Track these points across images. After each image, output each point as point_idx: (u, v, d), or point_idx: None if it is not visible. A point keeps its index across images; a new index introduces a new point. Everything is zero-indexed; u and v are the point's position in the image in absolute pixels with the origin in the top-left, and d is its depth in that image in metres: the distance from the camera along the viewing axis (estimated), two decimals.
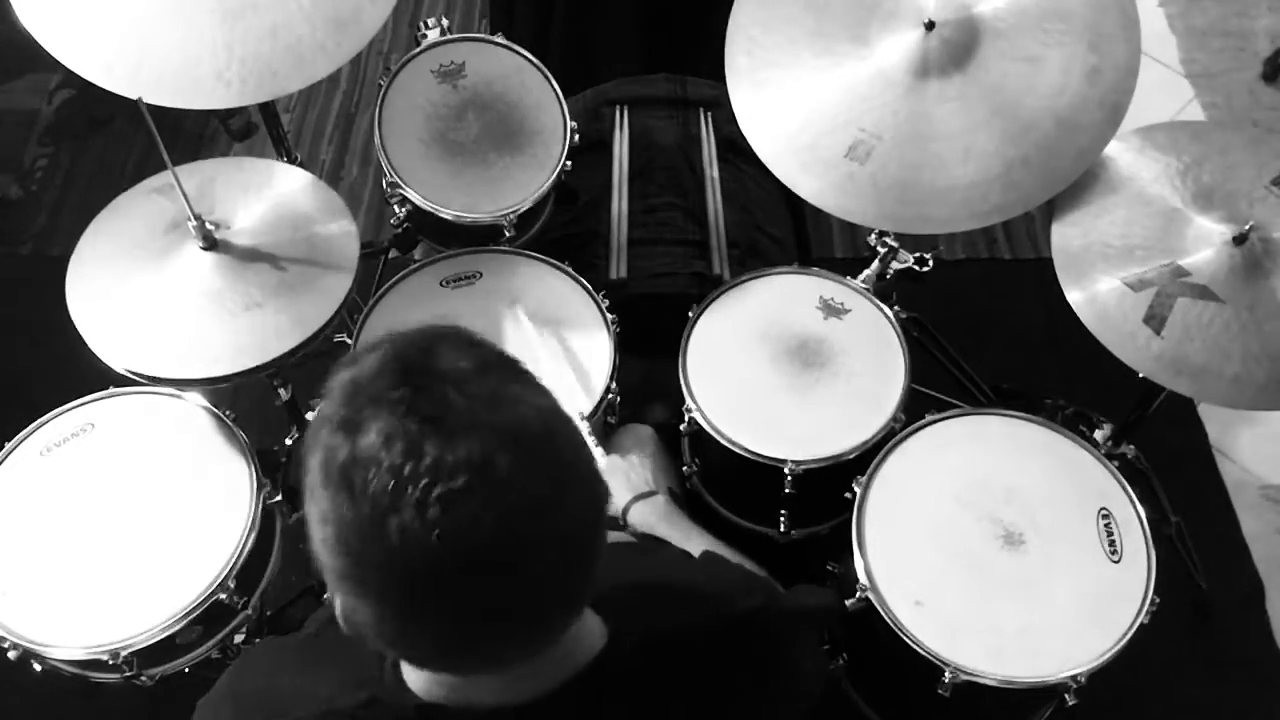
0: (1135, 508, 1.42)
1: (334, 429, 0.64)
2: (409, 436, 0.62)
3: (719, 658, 0.87)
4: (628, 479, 1.31)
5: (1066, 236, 1.46)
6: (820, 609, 1.30)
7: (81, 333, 1.38)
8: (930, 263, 1.76)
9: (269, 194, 1.52)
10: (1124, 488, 1.44)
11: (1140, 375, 1.37)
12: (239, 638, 1.46)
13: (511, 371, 0.70)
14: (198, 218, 1.39)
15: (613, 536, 1.33)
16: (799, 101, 1.52)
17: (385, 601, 0.66)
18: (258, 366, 1.40)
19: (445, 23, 1.80)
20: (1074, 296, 1.41)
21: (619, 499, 1.29)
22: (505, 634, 0.70)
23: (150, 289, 1.42)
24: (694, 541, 1.19)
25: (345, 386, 0.66)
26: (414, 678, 0.78)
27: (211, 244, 1.43)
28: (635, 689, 0.82)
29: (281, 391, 1.61)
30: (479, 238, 1.73)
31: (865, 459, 1.48)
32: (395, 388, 0.64)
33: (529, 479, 0.64)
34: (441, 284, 1.67)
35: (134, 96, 1.27)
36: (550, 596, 0.70)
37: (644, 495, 1.28)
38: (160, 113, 1.28)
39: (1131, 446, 1.68)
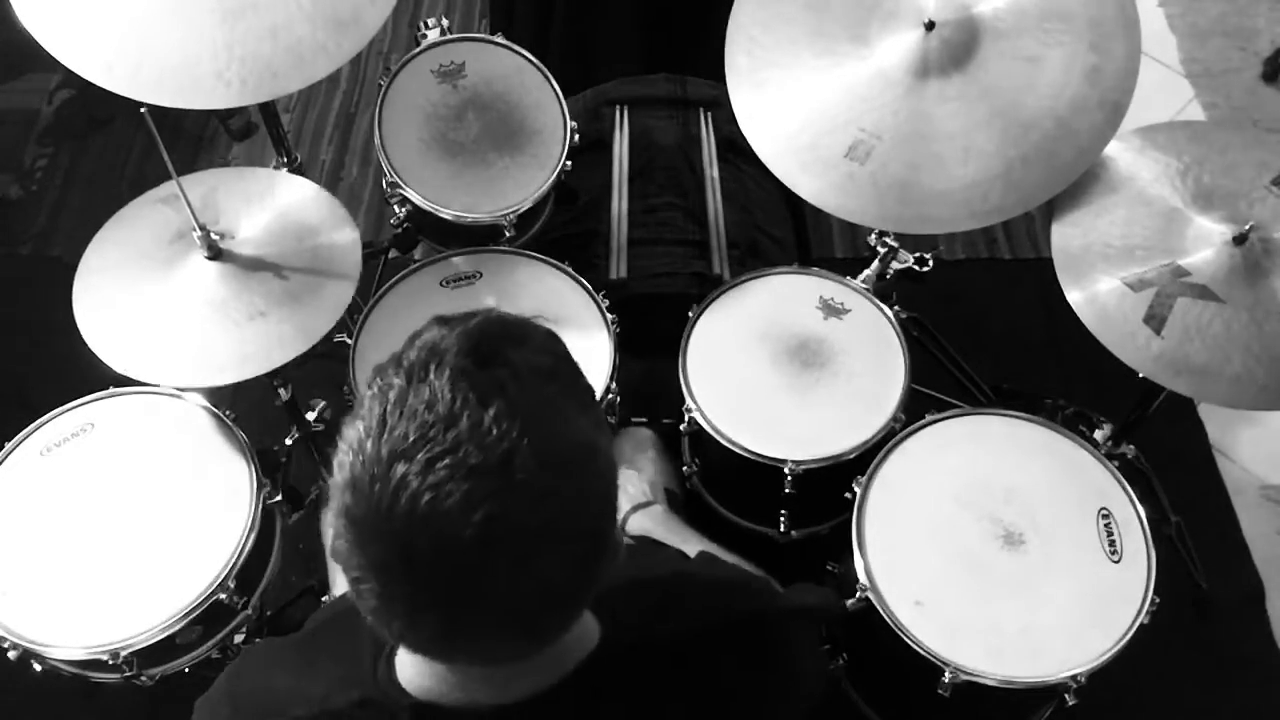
0: (1135, 508, 1.42)
1: (399, 370, 0.66)
2: (453, 404, 0.63)
3: (716, 657, 0.87)
4: (625, 491, 1.30)
5: (1066, 236, 1.46)
6: (819, 607, 1.29)
7: (89, 342, 1.39)
8: (930, 263, 1.76)
9: (273, 204, 1.52)
10: (1124, 488, 1.44)
11: (1140, 375, 1.37)
12: (239, 638, 1.46)
13: (576, 391, 0.70)
14: (203, 228, 1.39)
15: None
16: (799, 101, 1.52)
17: (367, 547, 0.65)
18: (262, 376, 1.40)
19: (445, 23, 1.80)
20: (1074, 296, 1.41)
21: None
22: (475, 628, 0.68)
23: (156, 298, 1.43)
24: (691, 546, 1.19)
25: (432, 336, 0.68)
26: (408, 674, 0.77)
27: (216, 254, 1.43)
28: (631, 688, 0.81)
29: (281, 391, 1.61)
30: (479, 238, 1.73)
31: (865, 459, 1.48)
32: (464, 355, 0.65)
33: (537, 494, 0.63)
34: (441, 284, 1.67)
35: (140, 105, 1.27)
36: (525, 606, 0.68)
37: (642, 506, 1.28)
38: (160, 113, 1.28)
39: (1131, 446, 1.68)
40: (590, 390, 0.73)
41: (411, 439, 0.63)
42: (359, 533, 0.65)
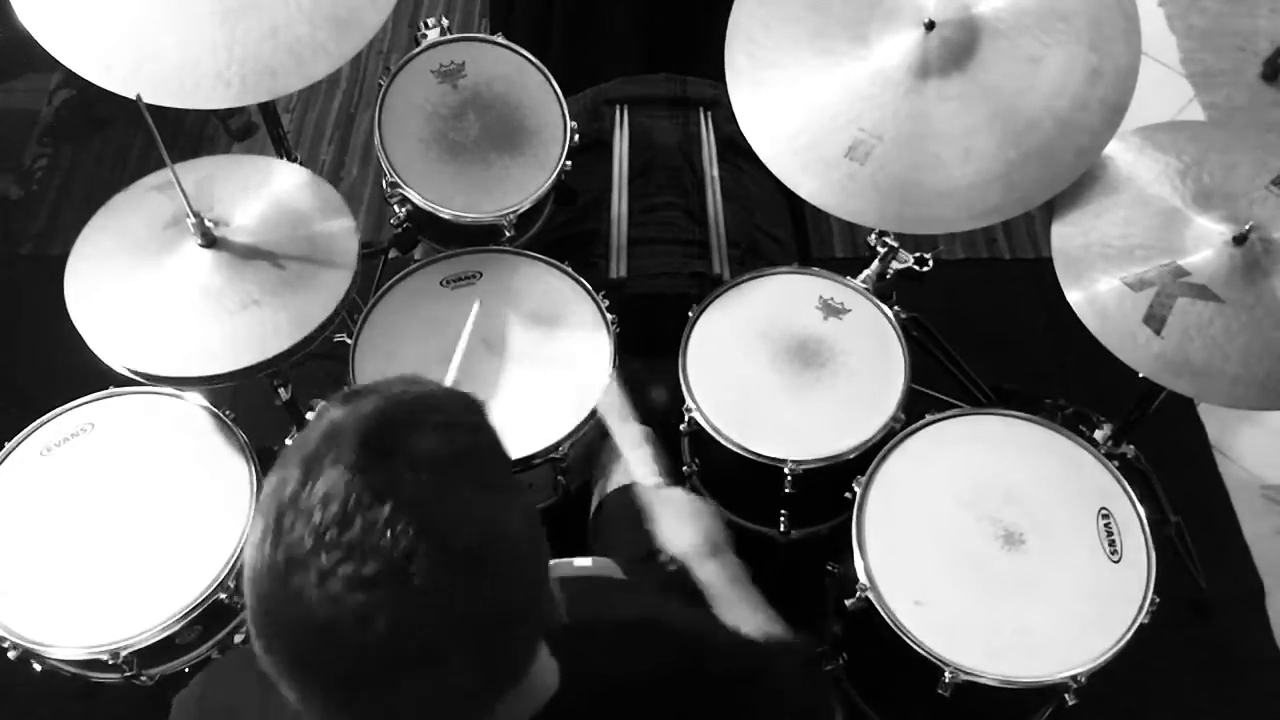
0: (1135, 508, 1.42)
1: (298, 462, 0.64)
2: (347, 503, 0.61)
3: (676, 711, 0.84)
4: (699, 519, 1.21)
5: (1066, 236, 1.46)
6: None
7: (79, 329, 1.38)
8: (930, 263, 1.76)
9: (268, 191, 1.51)
10: (1124, 488, 1.44)
11: (1140, 375, 1.37)
12: (239, 638, 1.46)
13: (484, 471, 0.67)
14: (197, 215, 1.38)
15: (596, 567, 1.30)
16: (799, 101, 1.52)
17: (274, 652, 0.64)
18: (256, 365, 1.40)
19: (445, 23, 1.80)
20: (1074, 296, 1.41)
21: (678, 538, 1.19)
22: None
23: (149, 286, 1.42)
24: (758, 618, 1.11)
25: (330, 423, 0.65)
26: None
27: (210, 241, 1.42)
28: None
29: (281, 391, 1.61)
30: (479, 238, 1.73)
31: (865, 459, 1.48)
32: (360, 448, 0.63)
33: (437, 596, 0.61)
34: (441, 284, 1.67)
35: (133, 94, 1.27)
36: (447, 703, 0.65)
37: (718, 552, 1.18)
38: (160, 112, 1.28)
39: (1131, 446, 1.68)
40: (504, 467, 0.70)
41: (308, 545, 0.61)
42: (265, 637, 0.64)
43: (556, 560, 1.33)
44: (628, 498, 1.55)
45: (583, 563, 1.31)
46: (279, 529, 0.62)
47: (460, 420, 0.68)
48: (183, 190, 1.34)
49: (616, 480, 1.57)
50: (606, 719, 0.81)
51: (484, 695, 0.68)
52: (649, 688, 0.83)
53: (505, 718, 0.73)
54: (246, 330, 1.39)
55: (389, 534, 0.60)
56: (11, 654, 1.33)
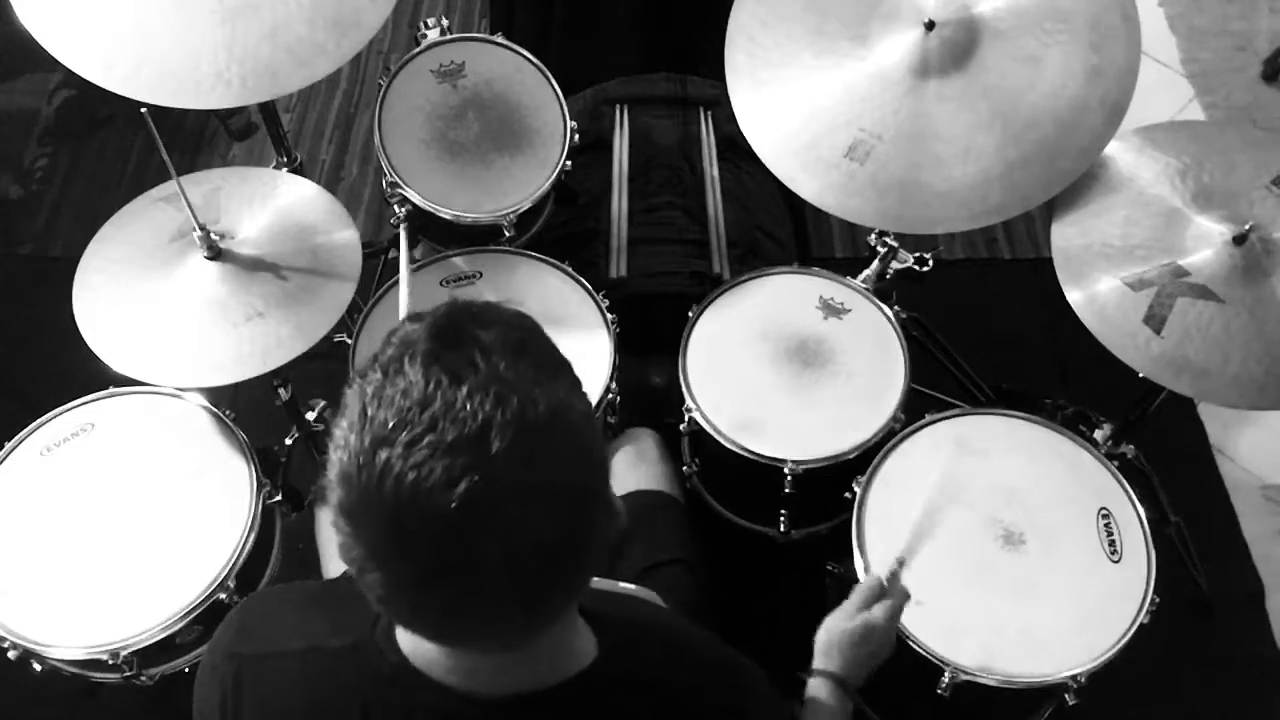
0: (1135, 508, 1.42)
1: (376, 367, 0.69)
2: (426, 387, 0.66)
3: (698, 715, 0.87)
4: (875, 659, 1.21)
5: (1066, 236, 1.46)
6: None
7: (88, 341, 1.39)
8: (930, 263, 1.76)
9: (273, 204, 1.52)
10: (1124, 488, 1.44)
11: (1140, 375, 1.37)
12: None
13: (546, 362, 0.72)
14: (203, 228, 1.39)
15: (639, 592, 1.30)
16: (799, 101, 1.52)
17: (363, 534, 0.68)
18: (259, 377, 1.40)
19: (445, 23, 1.80)
20: (1074, 296, 1.41)
21: (829, 659, 1.19)
22: (475, 601, 0.70)
23: (155, 298, 1.43)
24: None
25: (402, 334, 0.71)
26: (405, 640, 0.80)
27: (216, 254, 1.43)
28: (610, 716, 0.82)
29: (281, 391, 1.61)
30: (479, 238, 1.73)
31: (865, 459, 1.48)
32: (433, 340, 0.68)
33: (515, 460, 0.65)
34: (441, 284, 1.67)
35: (140, 105, 1.28)
36: (507, 589, 0.69)
37: (826, 673, 1.18)
38: (161, 113, 1.28)
39: (1131, 446, 1.68)
40: (562, 360, 0.75)
41: (391, 425, 0.65)
42: (354, 523, 0.68)
43: (603, 579, 1.36)
44: (632, 505, 1.55)
45: (627, 587, 1.33)
46: (365, 419, 0.67)
47: (518, 321, 0.74)
48: (189, 204, 1.35)
49: (620, 485, 1.57)
50: (630, 705, 0.83)
51: (550, 578, 0.71)
52: (678, 695, 0.86)
53: (536, 674, 0.79)
54: (250, 342, 1.40)
55: (468, 407, 0.65)
56: (11, 654, 1.33)
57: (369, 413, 0.67)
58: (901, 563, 1.30)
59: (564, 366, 0.74)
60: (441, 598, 0.69)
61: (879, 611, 1.21)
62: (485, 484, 0.64)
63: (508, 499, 0.65)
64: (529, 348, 0.71)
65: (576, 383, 0.73)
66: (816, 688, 1.18)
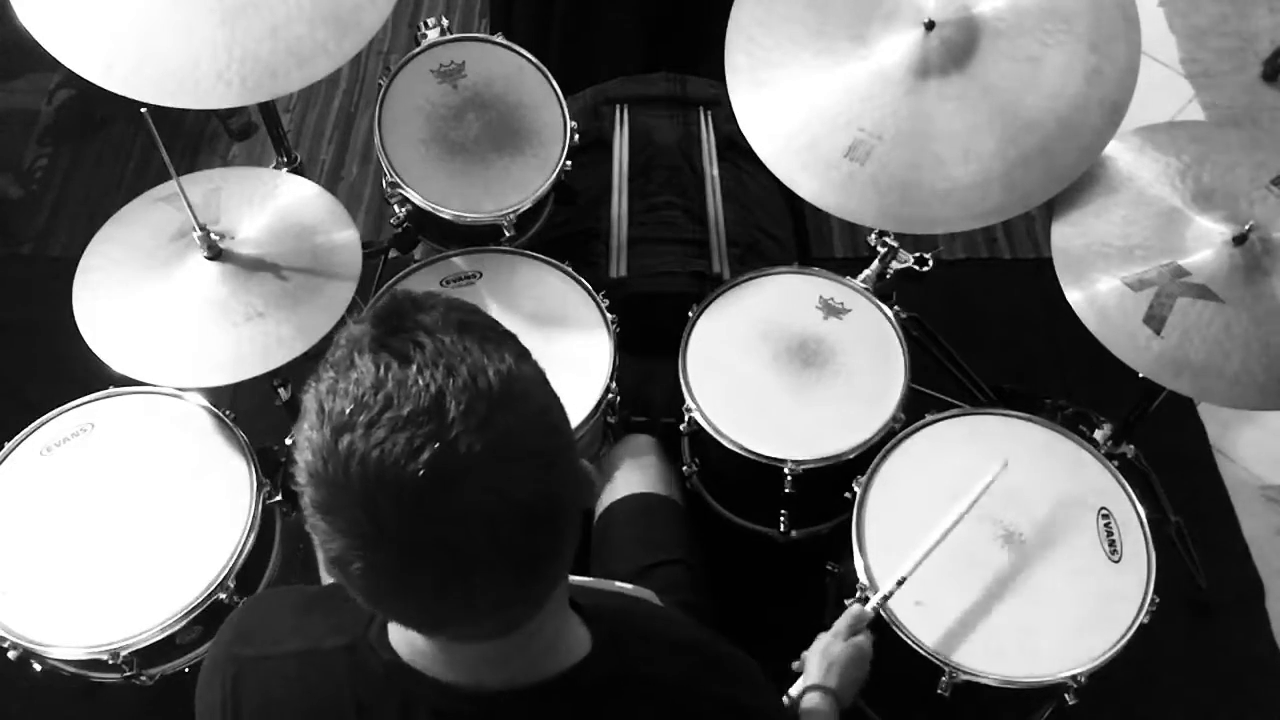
0: (1135, 508, 1.42)
1: (328, 367, 0.70)
2: (377, 372, 0.67)
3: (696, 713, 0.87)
4: (859, 672, 1.27)
5: (1066, 236, 1.46)
6: None
7: (88, 341, 1.39)
8: (930, 263, 1.76)
9: (273, 204, 1.52)
10: (1124, 488, 1.44)
11: (1140, 375, 1.37)
12: None
13: (491, 336, 0.72)
14: (203, 228, 1.39)
15: (635, 591, 1.32)
16: (799, 101, 1.52)
17: (340, 525, 0.68)
18: (259, 377, 1.40)
19: (445, 23, 1.80)
20: (1074, 296, 1.41)
21: (828, 676, 1.24)
22: (460, 578, 0.69)
23: (156, 298, 1.43)
24: None
25: (346, 334, 0.72)
26: (397, 636, 0.81)
27: (216, 254, 1.43)
28: (605, 711, 0.82)
29: (281, 391, 1.61)
30: (479, 238, 1.73)
31: (865, 459, 1.48)
32: (377, 328, 0.70)
33: (473, 424, 0.66)
34: (441, 284, 1.67)
35: (140, 105, 1.28)
36: (492, 554, 0.69)
37: (826, 689, 1.23)
38: (160, 113, 1.28)
39: (1131, 446, 1.68)
40: (506, 333, 0.75)
41: (349, 411, 0.66)
42: (329, 516, 0.68)
43: (597, 579, 1.36)
44: (630, 506, 1.55)
45: (623, 586, 1.35)
46: (323, 415, 0.68)
47: (456, 303, 0.75)
48: (189, 204, 1.35)
49: (618, 488, 1.57)
50: (628, 697, 0.83)
51: (534, 542, 0.71)
52: (675, 686, 0.85)
53: (529, 667, 0.79)
54: (250, 342, 1.40)
55: (419, 381, 0.67)
56: (11, 654, 1.33)
57: (326, 407, 0.68)
58: (901, 583, 1.31)
59: (509, 338, 0.74)
60: (428, 578, 0.69)
61: (865, 640, 1.29)
62: (448, 449, 0.65)
63: (474, 462, 0.66)
64: (471, 325, 0.72)
65: (525, 352, 0.74)
66: (817, 701, 1.21)
